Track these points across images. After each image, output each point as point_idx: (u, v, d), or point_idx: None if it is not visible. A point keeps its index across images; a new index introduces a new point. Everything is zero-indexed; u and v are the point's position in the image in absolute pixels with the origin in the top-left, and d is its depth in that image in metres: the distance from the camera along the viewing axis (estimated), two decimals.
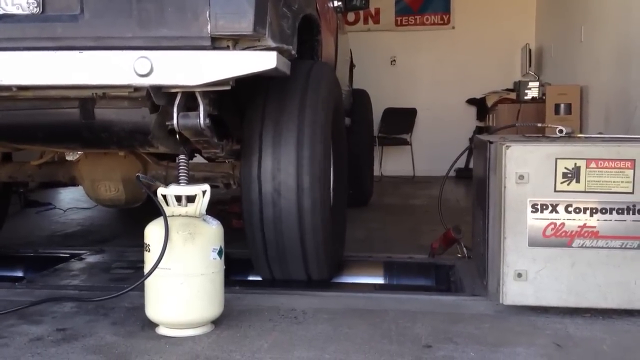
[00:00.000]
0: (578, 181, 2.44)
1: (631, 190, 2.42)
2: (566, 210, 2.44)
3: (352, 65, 6.47)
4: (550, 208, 2.45)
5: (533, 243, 2.46)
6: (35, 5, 2.34)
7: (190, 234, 2.24)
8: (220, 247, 2.31)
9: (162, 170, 3.36)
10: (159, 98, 2.44)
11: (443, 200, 3.78)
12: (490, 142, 2.73)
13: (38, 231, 4.81)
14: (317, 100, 2.92)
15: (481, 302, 2.68)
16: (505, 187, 2.47)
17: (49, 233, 4.74)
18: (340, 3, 4.88)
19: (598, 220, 2.44)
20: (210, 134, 2.62)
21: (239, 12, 2.26)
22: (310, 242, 2.89)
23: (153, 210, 2.33)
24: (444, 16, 9.62)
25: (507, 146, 2.46)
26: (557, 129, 2.81)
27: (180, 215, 2.31)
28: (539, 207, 2.45)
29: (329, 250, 3.02)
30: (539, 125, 3.49)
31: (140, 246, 2.33)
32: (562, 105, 6.31)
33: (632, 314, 2.46)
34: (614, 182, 2.43)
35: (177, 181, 2.40)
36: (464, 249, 3.46)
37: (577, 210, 2.44)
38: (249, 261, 3.09)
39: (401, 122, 9.44)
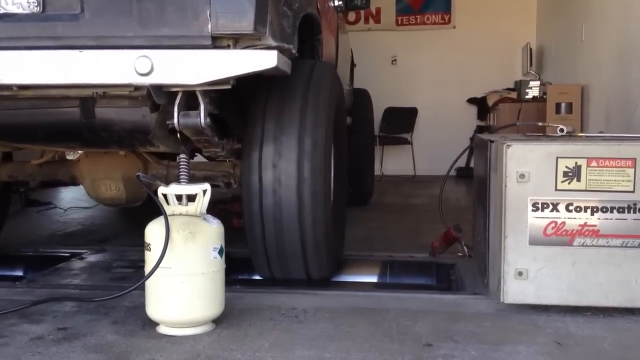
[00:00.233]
0: (579, 180, 2.44)
1: (632, 189, 2.42)
2: (567, 209, 2.44)
3: (352, 65, 6.47)
4: (551, 207, 2.45)
5: (534, 242, 2.46)
6: (36, 4, 2.34)
7: (191, 233, 2.24)
8: (221, 246, 2.31)
9: (163, 170, 3.36)
10: (160, 97, 2.44)
11: (444, 199, 3.78)
12: (491, 141, 2.73)
13: (39, 230, 4.81)
14: (318, 99, 2.92)
15: (482, 300, 2.68)
16: (506, 186, 2.47)
17: (50, 232, 4.75)
18: (341, 2, 4.88)
19: (599, 219, 2.44)
20: (211, 133, 2.62)
21: (239, 11, 2.26)
22: (310, 241, 2.89)
23: (154, 209, 2.33)
24: (445, 16, 9.62)
25: (507, 145, 2.46)
26: (558, 128, 2.81)
27: (180, 214, 2.31)
28: (539, 206, 2.45)
29: (329, 249, 3.02)
30: (540, 124, 3.49)
31: (140, 245, 2.33)
32: (563, 105, 6.31)
33: (633, 312, 2.46)
34: (614, 181, 2.43)
35: (177, 180, 2.40)
36: (465, 247, 3.46)
37: (578, 209, 2.44)
38: (250, 260, 3.09)
39: (402, 121, 9.44)
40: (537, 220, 2.45)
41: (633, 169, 2.42)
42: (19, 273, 3.68)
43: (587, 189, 2.43)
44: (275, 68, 2.32)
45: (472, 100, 9.40)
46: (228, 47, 2.33)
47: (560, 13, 7.66)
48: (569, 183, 2.44)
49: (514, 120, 6.57)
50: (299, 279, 3.04)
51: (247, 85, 2.69)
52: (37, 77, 2.32)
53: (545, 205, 2.45)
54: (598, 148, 2.45)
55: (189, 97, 2.49)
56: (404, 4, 9.73)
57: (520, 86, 7.52)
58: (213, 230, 2.30)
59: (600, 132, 3.74)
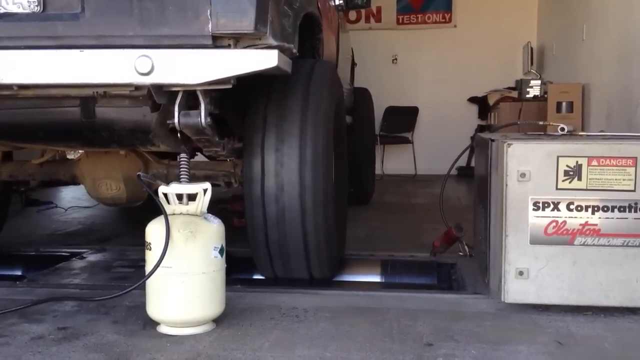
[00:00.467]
0: (580, 179, 2.43)
1: (633, 188, 2.42)
2: (568, 208, 2.44)
3: (353, 64, 6.47)
4: (551, 206, 2.45)
5: (535, 241, 2.46)
6: (36, 3, 2.34)
7: (192, 233, 2.24)
8: (222, 246, 2.31)
9: (163, 169, 3.36)
10: (160, 97, 2.44)
11: (445, 198, 3.78)
12: (492, 140, 2.73)
13: (39, 230, 4.81)
14: (318, 98, 2.92)
15: (483, 300, 2.68)
16: (506, 185, 2.47)
17: (50, 232, 4.75)
18: (341, 1, 4.88)
19: (600, 218, 2.43)
20: (212, 133, 2.62)
21: (240, 11, 2.25)
22: (313, 240, 2.89)
23: (154, 209, 2.33)
24: (446, 14, 9.61)
25: (508, 144, 2.46)
26: (559, 127, 2.81)
27: (181, 213, 2.31)
28: (540, 205, 2.45)
29: (331, 248, 3.02)
30: (541, 123, 3.49)
31: (141, 245, 2.33)
32: (563, 104, 6.31)
33: (633, 311, 2.46)
34: (615, 180, 2.42)
35: (178, 179, 2.40)
36: (466, 247, 3.46)
37: (579, 208, 2.44)
38: (251, 260, 3.09)
39: (403, 120, 9.43)
40: (538, 220, 2.45)
41: (634, 168, 2.41)
42: (20, 273, 3.68)
43: (588, 188, 2.43)
44: (276, 67, 2.31)
45: (473, 100, 9.40)
46: (229, 46, 2.33)
47: (561, 12, 7.65)
48: (569, 182, 2.43)
49: (514, 120, 6.56)
50: (301, 278, 3.04)
51: (248, 85, 2.69)
52: (37, 76, 2.31)
53: (546, 205, 2.45)
54: (599, 147, 2.44)
55: (190, 97, 2.49)
56: (405, 3, 9.72)
57: (521, 85, 7.51)
58: (214, 230, 2.30)
59: (601, 131, 3.74)
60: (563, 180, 2.44)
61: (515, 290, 2.48)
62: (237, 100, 3.00)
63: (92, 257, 3.64)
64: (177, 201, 2.32)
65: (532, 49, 8.49)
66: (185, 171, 2.41)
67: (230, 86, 2.42)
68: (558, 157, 2.44)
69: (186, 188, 2.33)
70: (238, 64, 2.29)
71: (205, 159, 3.79)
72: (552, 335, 2.25)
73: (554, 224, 2.45)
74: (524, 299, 2.50)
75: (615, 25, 5.39)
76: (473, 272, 3.13)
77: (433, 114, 9.44)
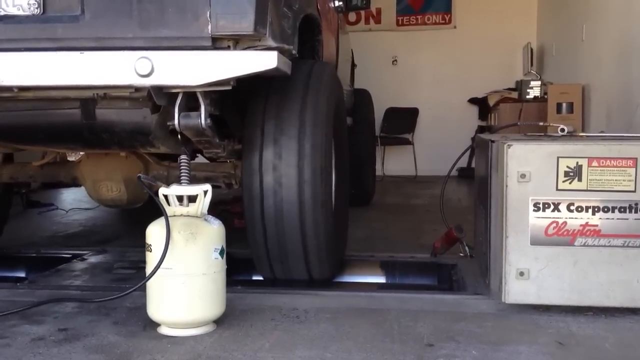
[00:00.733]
0: (580, 180, 2.43)
1: (633, 189, 2.42)
2: (568, 209, 2.44)
3: (353, 65, 6.48)
4: (552, 207, 2.45)
5: (535, 242, 2.46)
6: (36, 6, 2.34)
7: (192, 234, 2.24)
8: (222, 247, 2.31)
9: (164, 171, 3.36)
10: (160, 98, 2.44)
11: (445, 199, 3.78)
12: (492, 141, 2.73)
13: (40, 232, 4.82)
14: (318, 100, 2.92)
15: (483, 300, 2.68)
16: (507, 186, 2.47)
17: (51, 233, 4.75)
18: (341, 3, 4.88)
19: (600, 218, 2.43)
20: (212, 134, 2.63)
21: (239, 12, 2.26)
22: (312, 241, 2.89)
23: (155, 210, 2.33)
24: (446, 16, 9.62)
25: (508, 145, 2.46)
26: (559, 128, 2.81)
27: (181, 215, 2.31)
28: (540, 205, 2.45)
29: (331, 249, 3.02)
30: (541, 124, 3.49)
31: (142, 246, 2.33)
32: (564, 104, 6.31)
33: (634, 312, 2.46)
34: (615, 180, 2.42)
35: (178, 181, 2.40)
36: (466, 248, 3.46)
37: (579, 209, 2.44)
38: (251, 261, 3.09)
39: (403, 121, 9.44)
40: (539, 220, 2.45)
41: (634, 169, 2.41)
42: (21, 274, 3.68)
43: (588, 188, 2.43)
44: (276, 69, 2.32)
45: (473, 100, 9.40)
46: (228, 48, 2.33)
47: (560, 13, 7.66)
48: (570, 183, 2.43)
49: (515, 120, 6.56)
50: (300, 279, 3.04)
51: (248, 86, 2.69)
52: (37, 78, 2.32)
53: (546, 205, 2.45)
54: (599, 148, 2.44)
55: (190, 98, 2.49)
56: (405, 4, 9.73)
57: (521, 86, 7.52)
58: (214, 231, 2.30)
59: (601, 132, 3.74)
60: (563, 181, 2.44)
61: (516, 291, 2.48)
62: (237, 102, 3.00)
63: (92, 259, 3.64)
64: (177, 203, 2.32)
65: (532, 49, 8.50)
66: (186, 173, 2.41)
67: (230, 87, 2.42)
68: (558, 158, 2.44)
69: (186, 189, 2.33)
70: (238, 65, 2.29)
71: (206, 161, 3.79)
72: (552, 336, 2.25)
73: (555, 224, 2.45)
74: (524, 300, 2.50)
75: (614, 25, 5.39)
76: (473, 272, 3.13)
77: (433, 115, 9.45)
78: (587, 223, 2.44)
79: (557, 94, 6.41)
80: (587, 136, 2.96)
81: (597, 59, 5.85)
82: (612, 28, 5.46)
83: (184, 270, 2.23)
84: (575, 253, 2.45)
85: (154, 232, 2.27)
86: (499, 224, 2.55)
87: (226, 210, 4.58)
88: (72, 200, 6.28)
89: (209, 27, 2.27)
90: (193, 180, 2.51)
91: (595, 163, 2.42)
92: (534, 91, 7.27)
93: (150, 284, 2.27)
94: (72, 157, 3.74)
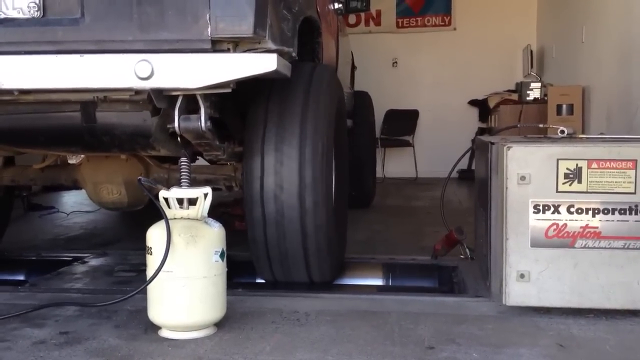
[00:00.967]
0: (580, 182, 2.43)
1: (633, 191, 2.42)
2: (568, 211, 2.44)
3: (353, 67, 6.48)
4: (552, 209, 2.45)
5: (535, 244, 2.46)
6: (36, 9, 2.35)
7: (192, 237, 2.24)
8: (223, 250, 2.31)
9: (164, 173, 3.37)
10: (160, 101, 2.44)
11: (445, 201, 3.78)
12: (492, 143, 2.73)
13: (41, 235, 4.82)
14: (318, 102, 2.92)
15: (484, 303, 2.68)
16: (507, 188, 2.47)
17: (52, 236, 4.75)
18: (340, 5, 4.88)
19: (600, 220, 2.43)
20: (212, 137, 2.63)
21: (239, 15, 2.26)
22: (312, 243, 2.89)
23: (155, 213, 2.33)
24: (445, 17, 9.63)
25: (508, 147, 2.46)
26: (559, 130, 2.81)
27: (182, 218, 2.31)
28: (541, 208, 2.45)
29: (331, 251, 3.02)
30: (541, 126, 3.49)
31: (142, 249, 2.33)
32: (564, 106, 6.31)
33: (635, 314, 2.46)
34: (615, 182, 2.42)
35: (178, 184, 2.40)
36: (467, 250, 3.46)
37: (579, 211, 2.44)
38: (252, 263, 3.09)
39: (403, 123, 9.45)
40: (539, 222, 2.45)
41: (634, 171, 2.41)
42: (22, 277, 3.68)
43: (588, 190, 2.43)
44: (275, 71, 2.32)
45: (473, 102, 9.41)
46: (228, 50, 2.33)
47: (560, 14, 7.66)
48: (570, 185, 2.43)
49: (515, 122, 6.56)
50: (301, 282, 3.04)
51: (248, 89, 2.69)
52: (38, 81, 2.32)
53: (546, 207, 2.45)
54: (598, 150, 2.44)
55: (190, 101, 2.49)
56: (404, 6, 9.74)
57: (521, 88, 7.52)
58: (214, 234, 2.30)
59: (601, 134, 3.74)
60: (563, 183, 2.44)
61: (517, 293, 2.48)
62: (237, 104, 3.00)
63: (93, 262, 3.65)
64: (177, 205, 2.32)
65: (532, 51, 8.50)
66: (186, 175, 2.41)
67: (229, 90, 2.42)
68: (558, 160, 2.44)
69: (187, 192, 2.33)
70: (237, 68, 2.29)
71: (206, 163, 3.79)
72: (553, 338, 2.25)
73: (555, 226, 2.45)
74: (525, 302, 2.49)
75: (614, 27, 5.39)
76: (474, 275, 3.13)
77: (433, 117, 9.45)
78: (587, 225, 2.44)
79: (557, 95, 6.41)
80: (587, 138, 2.97)
81: (597, 60, 5.86)
82: (612, 30, 5.46)
83: (185, 273, 2.23)
84: (575, 255, 2.44)
85: (155, 235, 2.27)
86: (499, 226, 2.55)
87: (227, 212, 4.58)
88: (73, 203, 6.29)
89: (209, 29, 2.28)
90: (193, 182, 2.51)
91: (595, 165, 2.42)
92: (534, 93, 7.27)
93: (151, 287, 2.27)
94: (72, 160, 3.73)
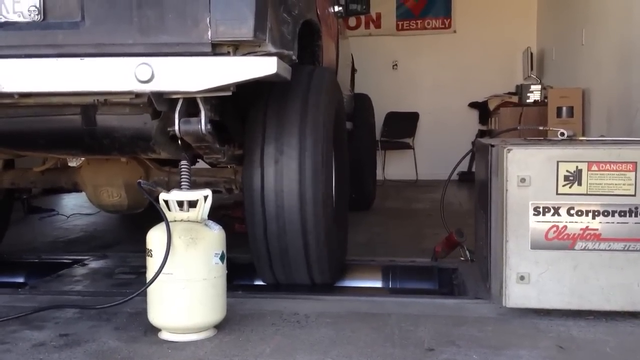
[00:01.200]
0: (580, 184, 2.44)
1: (633, 193, 2.42)
2: (568, 213, 2.44)
3: (353, 70, 6.48)
4: (552, 211, 2.45)
5: (535, 246, 2.46)
6: (37, 12, 2.35)
7: (193, 239, 2.24)
8: (223, 252, 2.32)
9: (164, 176, 3.37)
10: (160, 104, 2.45)
11: (446, 203, 3.78)
12: (492, 146, 2.74)
13: (41, 237, 4.82)
14: (318, 105, 2.93)
15: (484, 305, 2.68)
16: (507, 190, 2.47)
17: (52, 239, 4.75)
18: (341, 8, 4.89)
19: (600, 222, 2.43)
20: (212, 140, 2.63)
21: (239, 18, 2.27)
22: (313, 245, 2.89)
23: (155, 215, 2.34)
24: (445, 20, 9.63)
25: (508, 149, 2.47)
26: (559, 132, 2.81)
27: (182, 220, 2.31)
28: (541, 210, 2.45)
29: (332, 253, 3.02)
30: (541, 128, 3.49)
31: (142, 251, 2.33)
32: (564, 108, 6.31)
33: (635, 316, 2.46)
34: (615, 184, 2.42)
35: (179, 186, 2.40)
36: (467, 252, 3.46)
37: (579, 213, 2.44)
38: (252, 265, 3.09)
39: (403, 126, 9.45)
40: (539, 225, 2.45)
41: (634, 173, 2.42)
42: (22, 280, 3.68)
43: (588, 192, 2.43)
44: (275, 74, 2.32)
45: (473, 105, 9.41)
46: (228, 53, 2.34)
47: (560, 17, 7.67)
48: (569, 187, 2.44)
49: (515, 125, 6.56)
50: (301, 284, 3.04)
51: (248, 91, 2.69)
52: (38, 85, 2.33)
53: (546, 210, 2.45)
54: (598, 152, 2.45)
55: (190, 104, 2.49)
56: (404, 9, 9.75)
57: (521, 90, 7.52)
58: (214, 236, 2.30)
59: (601, 136, 3.74)
60: (563, 185, 2.44)
61: (517, 295, 2.48)
62: (238, 107, 3.00)
63: (93, 264, 3.65)
64: (177, 208, 2.32)
65: (532, 54, 8.51)
66: (186, 178, 2.41)
67: (230, 93, 2.42)
68: (558, 162, 2.44)
69: (187, 195, 2.33)
70: (237, 71, 2.30)
71: (206, 166, 3.79)
72: (553, 340, 2.25)
73: (555, 228, 2.45)
74: (525, 304, 2.50)
75: (614, 29, 5.40)
76: (474, 277, 3.13)
77: (434, 120, 9.45)
78: (587, 227, 2.44)
79: (557, 98, 6.41)
80: (587, 140, 2.97)
81: (597, 63, 5.86)
82: (611, 32, 5.47)
83: (185, 276, 2.23)
84: (575, 257, 2.45)
85: (155, 238, 2.27)
86: (500, 228, 2.56)
87: (227, 215, 4.59)
88: (73, 206, 6.29)
89: (209, 33, 2.28)
90: (193, 185, 2.52)
91: (595, 167, 2.43)
92: (534, 95, 7.26)
93: (151, 289, 2.28)
94: (72, 163, 3.74)
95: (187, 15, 2.28)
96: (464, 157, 3.89)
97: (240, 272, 3.32)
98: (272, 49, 2.40)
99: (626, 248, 2.43)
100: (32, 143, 2.82)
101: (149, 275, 2.26)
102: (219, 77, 2.28)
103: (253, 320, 2.47)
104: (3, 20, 2.36)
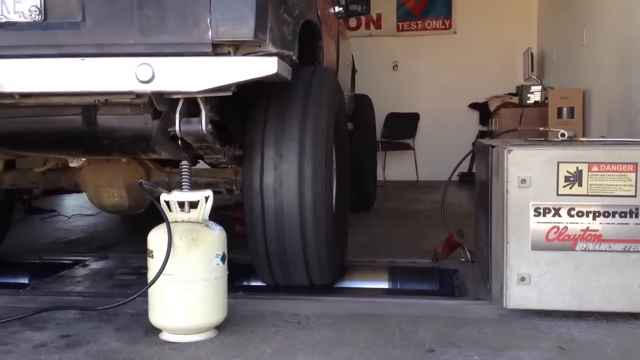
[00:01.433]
0: (580, 185, 2.44)
1: (634, 194, 2.42)
2: (569, 214, 2.44)
3: (354, 71, 6.48)
4: (552, 212, 2.45)
5: (536, 247, 2.46)
6: (37, 12, 2.35)
7: (193, 240, 2.24)
8: (223, 253, 2.32)
9: (165, 177, 3.37)
10: (161, 104, 2.45)
11: (446, 204, 3.78)
12: (492, 146, 2.74)
13: (42, 238, 4.82)
14: (319, 105, 2.93)
15: (484, 306, 2.68)
16: (507, 191, 2.47)
17: (53, 240, 4.75)
18: (341, 9, 4.89)
19: (601, 223, 2.43)
20: (213, 140, 2.63)
21: (239, 18, 2.27)
22: (312, 246, 2.89)
23: (156, 216, 2.34)
24: (446, 21, 9.64)
25: (509, 150, 2.47)
26: (559, 133, 2.81)
27: (183, 221, 2.31)
28: (541, 211, 2.45)
29: (331, 255, 3.02)
30: (542, 129, 3.49)
31: (143, 252, 2.33)
32: (564, 109, 6.31)
33: (635, 317, 2.46)
34: (616, 185, 2.42)
35: (179, 187, 2.41)
36: (468, 253, 3.46)
37: (580, 214, 2.44)
38: (252, 266, 3.09)
39: (404, 127, 9.45)
40: (539, 225, 2.45)
41: (634, 174, 2.42)
42: (23, 280, 3.68)
43: (589, 193, 2.43)
44: (276, 75, 2.32)
45: (473, 106, 9.41)
46: (228, 54, 2.34)
47: (560, 17, 7.67)
48: (570, 188, 2.44)
49: (516, 125, 6.56)
50: (301, 285, 3.04)
51: (248, 92, 2.69)
52: (39, 85, 2.33)
53: (547, 210, 2.45)
54: (599, 153, 2.44)
55: (191, 104, 2.49)
56: (405, 9, 9.75)
57: (521, 91, 7.52)
58: (215, 237, 2.30)
59: (602, 137, 3.74)
60: (564, 186, 2.44)
61: (517, 296, 2.48)
62: (238, 108, 3.00)
63: (94, 265, 3.65)
64: (178, 209, 2.32)
65: (532, 54, 8.51)
66: (187, 178, 2.41)
67: (230, 93, 2.43)
68: (558, 163, 2.44)
69: (188, 195, 2.33)
70: (238, 71, 2.30)
71: (207, 167, 3.79)
72: (554, 341, 2.25)
73: (555, 229, 2.45)
74: (525, 305, 2.50)
75: (615, 30, 5.40)
76: (475, 278, 3.13)
77: (434, 120, 9.45)
78: (587, 228, 2.44)
79: (558, 98, 6.41)
80: (588, 141, 2.96)
81: (598, 64, 5.86)
82: (612, 33, 5.47)
83: (186, 276, 2.24)
84: (576, 258, 2.45)
85: (156, 238, 2.27)
86: (500, 229, 2.56)
87: (227, 216, 4.58)
88: (74, 207, 6.29)
89: (210, 33, 2.28)
90: (194, 186, 2.52)
91: (595, 168, 2.43)
92: (535, 96, 7.26)
93: (152, 290, 2.28)
94: (73, 164, 3.74)
95: (188, 15, 2.28)
96: (464, 158, 3.89)
97: (241, 273, 3.32)
98: (272, 49, 2.41)
99: (627, 249, 2.43)
100: (32, 143, 2.82)
101: (150, 276, 2.26)
102: (220, 77, 2.28)
103: (254, 321, 2.47)
104: (4, 20, 2.36)
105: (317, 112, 2.90)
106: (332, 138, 3.05)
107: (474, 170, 5.54)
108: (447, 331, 2.35)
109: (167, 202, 2.32)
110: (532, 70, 8.44)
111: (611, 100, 5.45)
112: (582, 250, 2.44)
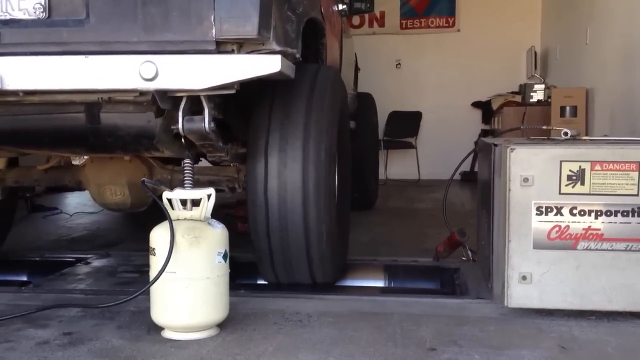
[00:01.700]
0: (583, 184, 2.44)
1: (636, 193, 2.42)
2: (571, 213, 2.44)
3: (357, 69, 6.48)
4: (555, 211, 2.45)
5: (538, 246, 2.46)
6: (42, 10, 2.36)
7: (196, 238, 2.25)
8: (226, 251, 2.32)
9: (168, 174, 3.37)
10: (164, 102, 2.45)
11: (448, 203, 3.78)
12: (495, 145, 2.73)
13: (44, 236, 4.83)
14: (322, 103, 2.93)
15: (486, 304, 2.68)
16: (509, 189, 2.47)
17: (55, 237, 4.76)
18: (345, 6, 4.89)
19: (603, 222, 2.43)
20: (215, 138, 2.64)
21: (243, 16, 2.27)
22: (315, 245, 2.89)
23: (158, 214, 2.34)
24: (449, 19, 9.63)
25: (511, 149, 2.47)
26: (562, 132, 2.81)
27: (185, 219, 2.31)
28: (543, 209, 2.45)
29: (334, 253, 3.02)
30: (544, 127, 3.48)
31: (145, 250, 2.33)
32: (567, 108, 6.31)
33: (637, 316, 2.46)
34: (618, 184, 2.42)
35: (182, 185, 2.41)
36: (469, 252, 3.46)
37: (582, 213, 2.44)
38: (254, 265, 3.09)
39: (406, 125, 9.44)
40: (541, 224, 2.45)
41: (637, 173, 2.41)
42: (25, 278, 3.69)
43: (591, 192, 2.43)
44: (279, 73, 2.33)
45: (476, 104, 9.41)
46: (232, 51, 2.34)
47: (564, 16, 7.66)
48: (572, 187, 2.44)
49: (518, 124, 6.57)
50: (303, 283, 3.05)
51: (252, 90, 2.70)
52: (42, 82, 2.33)
53: (549, 209, 2.45)
54: (602, 151, 2.44)
55: (194, 102, 2.50)
56: (408, 7, 9.74)
57: (524, 90, 7.52)
58: (217, 235, 2.31)
59: (605, 136, 3.73)
60: (566, 185, 2.44)
61: (519, 295, 2.48)
62: (241, 106, 3.01)
63: (97, 263, 3.66)
64: (181, 206, 2.33)
65: (535, 53, 8.50)
66: (190, 177, 2.42)
67: (234, 91, 2.43)
68: (561, 161, 2.44)
69: (190, 193, 2.34)
70: (241, 69, 2.30)
71: (209, 165, 3.80)
72: (555, 340, 2.25)
73: (557, 228, 2.45)
74: (527, 304, 2.50)
75: (618, 29, 5.39)
76: (476, 277, 3.13)
77: (437, 119, 9.45)
78: (589, 227, 2.44)
79: (561, 97, 6.41)
80: (590, 140, 2.96)
81: (601, 62, 5.85)
82: (616, 31, 5.46)
83: (188, 274, 2.24)
84: (577, 257, 2.45)
85: (158, 236, 2.27)
86: (502, 228, 2.56)
87: (230, 214, 4.59)
88: (77, 204, 6.30)
89: (213, 31, 2.29)
90: (197, 184, 2.52)
91: (598, 167, 2.42)
92: (538, 95, 7.26)
93: (154, 288, 2.28)
94: (76, 161, 3.75)
95: (192, 13, 2.28)
96: (466, 157, 3.89)
97: (242, 271, 3.32)
98: (276, 47, 2.41)
99: (628, 248, 2.43)
100: (36, 141, 2.83)
101: (152, 273, 2.27)
102: (223, 75, 2.29)
103: (255, 319, 2.47)
104: (8, 17, 2.37)
105: (320, 110, 2.90)
106: (336, 136, 3.06)
107: (476, 169, 5.54)
108: (448, 330, 2.35)
109: (170, 200, 2.32)
110: (536, 68, 8.44)
111: (614, 99, 5.45)
112: (583, 250, 2.44)
